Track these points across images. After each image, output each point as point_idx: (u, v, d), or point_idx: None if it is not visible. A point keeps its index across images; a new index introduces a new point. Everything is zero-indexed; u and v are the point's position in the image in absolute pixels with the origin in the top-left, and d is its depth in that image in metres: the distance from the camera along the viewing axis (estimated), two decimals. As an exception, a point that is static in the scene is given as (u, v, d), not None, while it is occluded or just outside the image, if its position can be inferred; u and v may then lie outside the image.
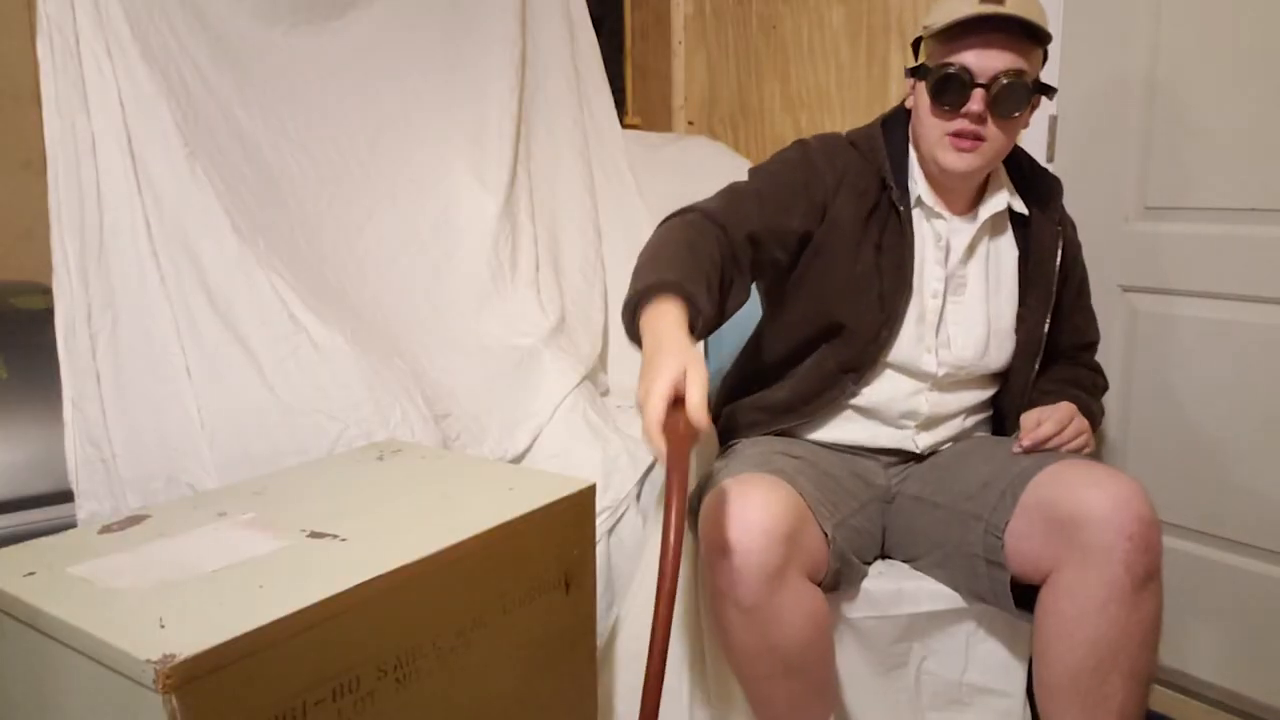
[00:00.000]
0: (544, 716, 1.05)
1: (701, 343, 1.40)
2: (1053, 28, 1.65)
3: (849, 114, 2.06)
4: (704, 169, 2.04)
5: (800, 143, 1.36)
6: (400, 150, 1.63)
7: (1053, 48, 1.66)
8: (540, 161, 1.83)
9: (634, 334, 1.11)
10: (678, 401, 0.94)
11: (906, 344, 1.30)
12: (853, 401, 1.34)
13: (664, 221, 1.26)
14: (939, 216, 1.31)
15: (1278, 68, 1.44)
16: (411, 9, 1.71)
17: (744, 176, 1.33)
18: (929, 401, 1.33)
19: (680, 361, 0.95)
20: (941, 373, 1.31)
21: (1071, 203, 1.41)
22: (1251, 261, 1.50)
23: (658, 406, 0.92)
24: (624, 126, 2.07)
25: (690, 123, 2.43)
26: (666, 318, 1.04)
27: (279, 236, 1.37)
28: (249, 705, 0.72)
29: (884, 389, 1.33)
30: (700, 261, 1.14)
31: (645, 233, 1.90)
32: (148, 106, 1.25)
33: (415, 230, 1.59)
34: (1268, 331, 1.50)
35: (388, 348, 1.39)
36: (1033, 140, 1.72)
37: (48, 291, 1.21)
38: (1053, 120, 1.71)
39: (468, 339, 1.53)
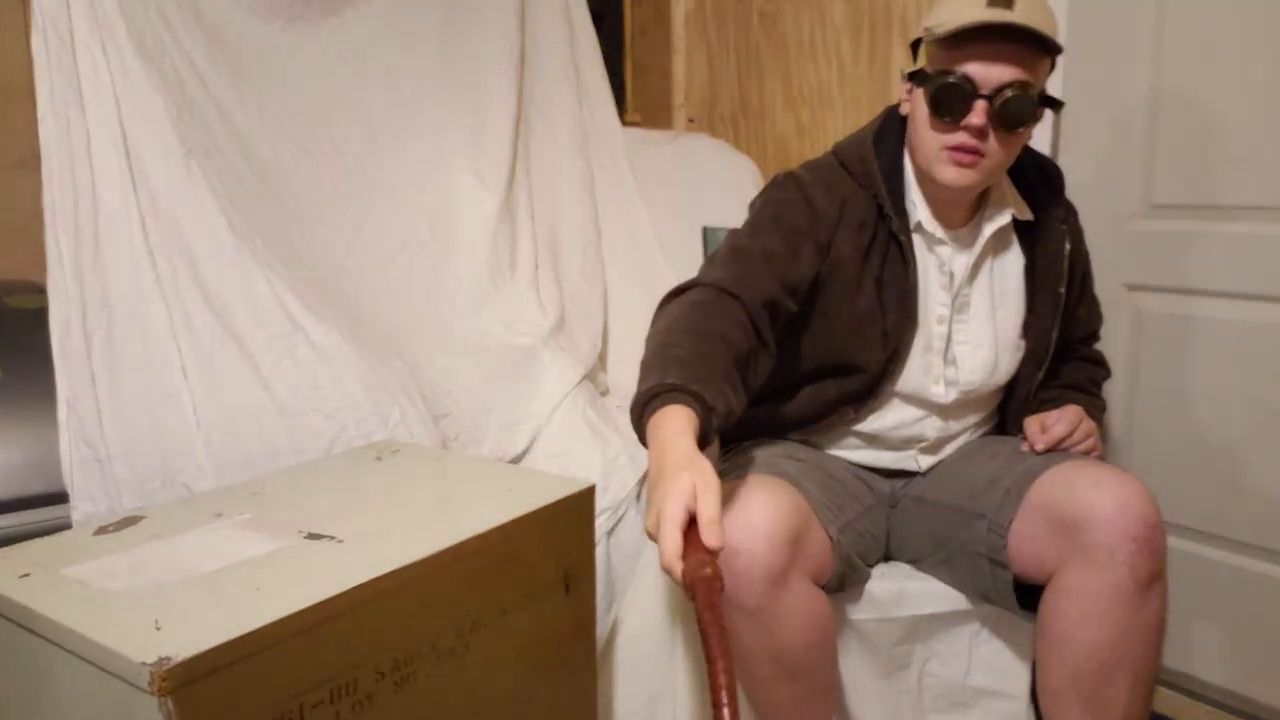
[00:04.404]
0: (544, 717, 1.04)
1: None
2: (1059, 24, 1.66)
3: (850, 111, 2.05)
4: (704, 166, 2.03)
5: (791, 178, 1.26)
6: (398, 148, 1.62)
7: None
8: (539, 160, 1.83)
9: (643, 435, 1.02)
10: (692, 522, 0.85)
11: (914, 375, 1.27)
12: (856, 428, 1.32)
13: (669, 298, 1.15)
14: (941, 243, 1.25)
15: (1283, 64, 1.43)
16: (410, 6, 1.70)
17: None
18: (935, 427, 1.31)
19: (687, 477, 0.86)
20: (951, 399, 1.28)
21: (1077, 201, 1.40)
22: (1258, 259, 1.49)
23: (672, 536, 0.83)
24: (624, 124, 2.06)
25: (691, 120, 2.42)
26: (671, 424, 0.95)
27: (276, 235, 1.36)
28: (246, 708, 0.72)
29: (889, 417, 1.30)
30: (712, 350, 1.04)
31: (645, 232, 1.89)
32: (143, 103, 1.25)
33: (413, 229, 1.58)
34: (1275, 330, 1.49)
35: (386, 347, 1.38)
36: (1037, 137, 1.71)
37: (42, 291, 1.20)
38: (1056, 118, 1.70)
39: (466, 338, 1.52)
